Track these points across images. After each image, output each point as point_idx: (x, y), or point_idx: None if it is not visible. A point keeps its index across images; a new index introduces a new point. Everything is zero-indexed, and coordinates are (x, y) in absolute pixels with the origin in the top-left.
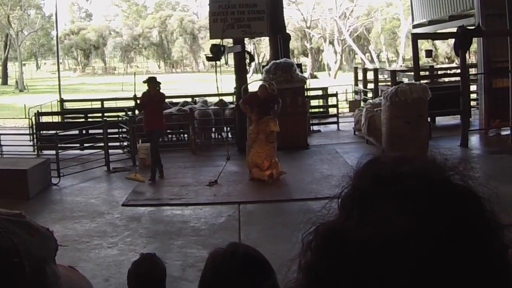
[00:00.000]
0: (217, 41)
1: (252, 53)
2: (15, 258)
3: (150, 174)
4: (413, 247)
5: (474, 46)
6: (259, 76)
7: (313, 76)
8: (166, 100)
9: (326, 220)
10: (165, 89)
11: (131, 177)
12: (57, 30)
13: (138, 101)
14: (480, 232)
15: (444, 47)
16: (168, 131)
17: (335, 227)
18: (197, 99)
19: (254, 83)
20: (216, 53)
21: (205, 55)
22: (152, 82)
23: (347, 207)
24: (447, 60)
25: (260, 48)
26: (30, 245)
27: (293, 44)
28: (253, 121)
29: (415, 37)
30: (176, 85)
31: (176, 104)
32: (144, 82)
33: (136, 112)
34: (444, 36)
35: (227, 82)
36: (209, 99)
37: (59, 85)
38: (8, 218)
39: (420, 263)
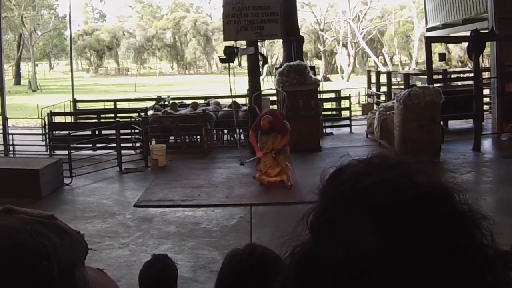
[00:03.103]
0: (230, 43)
1: (265, 55)
2: (45, 261)
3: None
4: (387, 267)
5: (487, 50)
6: (272, 78)
7: (326, 79)
8: (177, 101)
9: (301, 242)
10: (178, 90)
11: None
12: (70, 31)
13: None
14: (455, 239)
15: (457, 51)
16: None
17: (309, 253)
18: (209, 100)
19: (267, 89)
20: (230, 55)
21: (219, 57)
22: None
23: (317, 229)
24: (460, 64)
25: (274, 50)
26: (60, 248)
27: (306, 46)
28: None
29: (429, 41)
30: (189, 87)
31: (188, 105)
32: None
33: (150, 112)
34: (457, 40)
35: (240, 84)
36: (222, 101)
37: (72, 85)
38: (39, 220)
39: (396, 282)
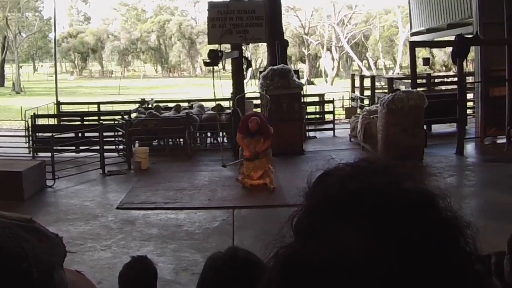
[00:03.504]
0: (215, 47)
1: (249, 58)
2: (24, 264)
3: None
4: (374, 271)
5: (471, 54)
6: (257, 81)
7: (310, 83)
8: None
9: (285, 244)
10: (162, 93)
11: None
12: (55, 33)
13: None
14: (440, 245)
15: (441, 55)
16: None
17: (293, 254)
18: (193, 103)
19: (250, 92)
20: (214, 58)
21: (203, 60)
22: None
23: (302, 231)
24: (444, 68)
25: (258, 53)
26: (39, 251)
27: (291, 50)
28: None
29: (413, 45)
30: (173, 89)
31: (171, 108)
32: None
33: (133, 115)
34: (441, 44)
35: (224, 87)
36: (206, 104)
37: (56, 87)
38: (18, 224)
39: (382, 287)
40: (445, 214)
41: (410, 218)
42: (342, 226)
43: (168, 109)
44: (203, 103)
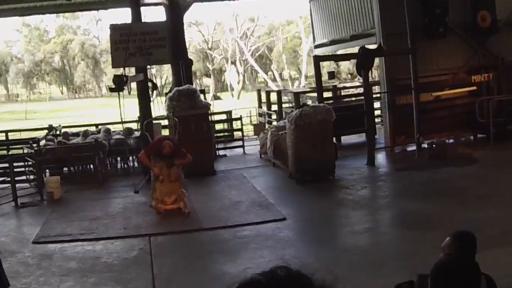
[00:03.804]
0: (119, 70)
1: (154, 77)
2: None
3: None
4: None
5: (376, 62)
6: (163, 99)
7: (216, 97)
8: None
9: None
10: (69, 116)
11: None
12: None
13: None
14: None
15: (347, 64)
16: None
17: None
18: (100, 127)
19: (158, 113)
20: (119, 83)
21: (108, 86)
22: None
23: None
24: (350, 76)
25: (163, 70)
26: None
27: (195, 65)
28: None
29: (317, 60)
30: (80, 111)
31: (78, 134)
32: None
33: (42, 143)
34: (346, 57)
35: (130, 107)
36: (114, 126)
37: None
38: None
39: None
40: None
41: None
42: None
43: (76, 135)
44: (110, 126)
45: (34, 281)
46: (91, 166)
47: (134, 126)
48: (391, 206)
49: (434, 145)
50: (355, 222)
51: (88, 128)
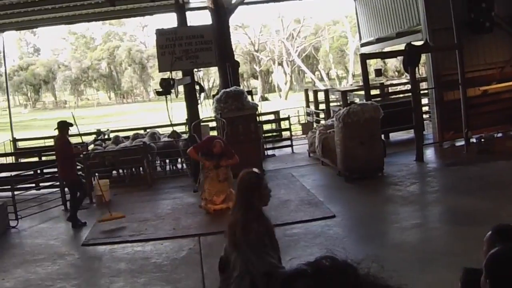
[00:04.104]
0: (166, 74)
1: (202, 79)
2: None
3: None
4: None
5: (423, 59)
6: (210, 101)
7: (264, 99)
8: (119, 133)
9: None
10: (116, 121)
11: (106, 219)
12: (5, 67)
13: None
14: None
15: (393, 61)
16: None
17: None
18: (149, 131)
19: (205, 116)
20: (166, 87)
21: (155, 90)
22: (60, 127)
23: None
24: (397, 73)
25: (210, 73)
26: None
27: (242, 67)
28: (205, 163)
29: (364, 58)
30: (128, 116)
31: (128, 137)
32: (56, 128)
33: (90, 147)
34: (392, 55)
35: (178, 110)
36: (162, 130)
37: (11, 123)
38: None
39: None
40: None
41: None
42: None
43: (127, 138)
44: (158, 129)
45: (84, 282)
46: (140, 168)
47: (182, 128)
48: (440, 202)
49: (482, 140)
50: (404, 218)
51: (138, 131)
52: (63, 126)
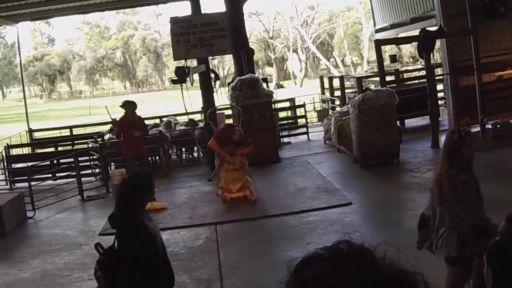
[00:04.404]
0: (181, 62)
1: (217, 68)
2: None
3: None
4: None
5: (438, 44)
6: (226, 89)
7: (279, 86)
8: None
9: None
10: None
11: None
12: (20, 58)
13: (114, 127)
14: None
15: (408, 47)
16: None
17: None
18: (165, 119)
19: (221, 104)
20: (181, 75)
21: (170, 78)
22: (129, 106)
23: None
24: (412, 60)
25: (225, 61)
26: None
27: (257, 55)
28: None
29: (378, 43)
30: (143, 105)
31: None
32: (120, 106)
33: (106, 137)
34: (407, 40)
35: (194, 98)
36: (178, 118)
37: (27, 114)
38: None
39: None
40: None
41: None
42: None
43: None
44: (174, 118)
45: None
46: (157, 157)
47: (198, 117)
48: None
49: (498, 126)
50: (420, 205)
51: (153, 120)
52: (132, 105)
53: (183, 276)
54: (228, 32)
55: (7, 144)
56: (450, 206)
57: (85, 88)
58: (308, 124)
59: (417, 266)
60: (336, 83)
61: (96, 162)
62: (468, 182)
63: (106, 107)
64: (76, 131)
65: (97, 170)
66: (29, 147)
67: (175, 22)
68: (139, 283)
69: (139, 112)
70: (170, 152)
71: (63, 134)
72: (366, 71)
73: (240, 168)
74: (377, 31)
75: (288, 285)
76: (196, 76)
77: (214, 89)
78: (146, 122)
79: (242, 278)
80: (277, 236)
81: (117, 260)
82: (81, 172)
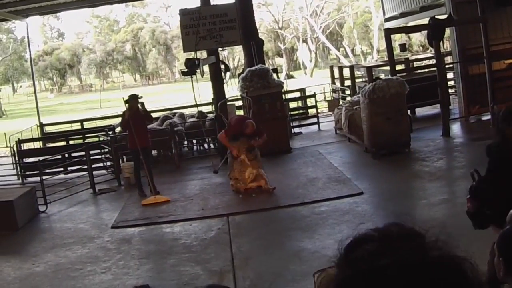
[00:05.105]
0: (190, 54)
1: (227, 58)
2: None
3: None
4: None
5: (447, 33)
6: (236, 81)
7: (290, 76)
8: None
9: None
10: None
11: (150, 202)
12: (30, 52)
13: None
14: None
15: (418, 36)
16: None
17: None
18: (176, 111)
19: (231, 95)
20: (191, 67)
21: (180, 70)
22: (134, 99)
23: None
24: (421, 48)
25: (235, 52)
26: None
27: (267, 45)
28: (234, 150)
29: (388, 33)
30: (154, 97)
31: (156, 119)
32: (125, 101)
33: (117, 130)
34: (416, 29)
35: (204, 90)
36: (189, 110)
37: (37, 108)
38: None
39: None
40: (472, 281)
41: None
42: None
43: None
44: (185, 110)
45: (113, 265)
46: (167, 150)
47: (208, 108)
48: (468, 177)
49: None
50: (431, 194)
51: (163, 112)
52: (136, 99)
53: (195, 267)
54: (237, 23)
55: (18, 138)
56: None
57: (95, 82)
58: (319, 114)
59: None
60: (346, 72)
61: (108, 155)
62: None
63: (123, 98)
64: (87, 125)
65: (108, 163)
66: (40, 141)
67: (185, 14)
68: None
69: (151, 104)
70: (182, 144)
71: (74, 128)
72: (376, 60)
73: (253, 159)
74: (386, 20)
75: (339, 264)
76: (206, 68)
77: (224, 80)
78: (157, 114)
79: (255, 269)
80: (289, 226)
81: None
82: (93, 166)
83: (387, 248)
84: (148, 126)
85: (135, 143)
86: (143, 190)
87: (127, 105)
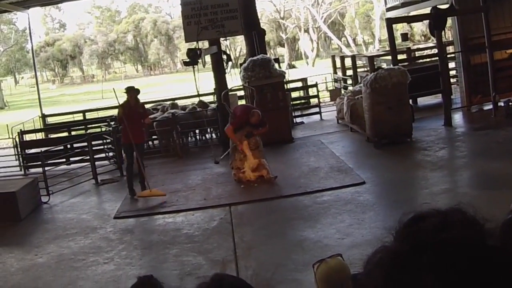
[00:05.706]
0: (192, 44)
1: (228, 48)
2: None
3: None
4: None
5: (449, 22)
6: (238, 71)
7: (291, 66)
8: (146, 106)
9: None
10: (144, 93)
11: (145, 195)
12: (32, 44)
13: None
14: None
15: (419, 25)
16: (154, 137)
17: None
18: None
19: (233, 85)
20: (193, 57)
21: (182, 60)
22: (131, 92)
23: (385, 269)
24: (423, 38)
25: (236, 42)
26: None
27: (269, 35)
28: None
29: (390, 22)
30: (155, 88)
31: (156, 109)
32: (125, 92)
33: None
34: (418, 19)
35: (206, 80)
36: (190, 100)
37: (39, 99)
38: None
39: None
40: None
41: (492, 277)
42: (427, 271)
43: (155, 110)
44: (186, 100)
45: (116, 255)
46: (171, 139)
47: (210, 98)
48: (469, 167)
49: (510, 103)
50: (433, 184)
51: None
52: (135, 91)
53: (198, 257)
54: (239, 13)
55: (21, 130)
56: None
57: (97, 72)
58: (321, 104)
59: None
60: (348, 62)
61: (110, 145)
62: None
63: (114, 89)
64: (89, 115)
65: (110, 154)
66: (43, 133)
67: (186, 4)
68: None
69: (153, 95)
70: (185, 134)
71: (76, 119)
72: (378, 50)
73: (255, 148)
74: (388, 9)
75: (397, 237)
76: (208, 58)
77: (226, 70)
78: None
79: (257, 258)
80: (291, 216)
81: None
82: (95, 156)
83: (448, 225)
84: (151, 116)
85: (128, 138)
86: (134, 190)
87: (124, 97)
